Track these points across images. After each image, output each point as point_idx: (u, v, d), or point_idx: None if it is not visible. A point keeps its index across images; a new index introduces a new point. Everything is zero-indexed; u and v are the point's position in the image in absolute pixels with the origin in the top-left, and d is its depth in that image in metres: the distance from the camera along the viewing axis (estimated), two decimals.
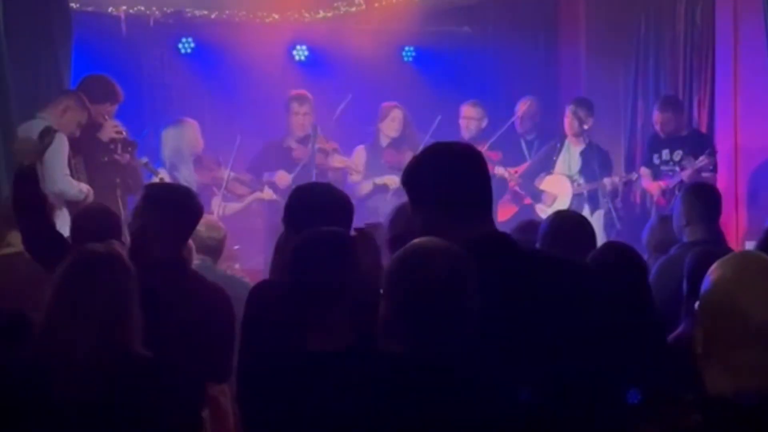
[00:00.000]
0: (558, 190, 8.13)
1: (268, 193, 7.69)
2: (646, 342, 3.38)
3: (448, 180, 2.62)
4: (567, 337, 2.49)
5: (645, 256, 4.58)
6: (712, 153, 7.52)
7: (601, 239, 5.11)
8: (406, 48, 9.37)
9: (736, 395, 1.93)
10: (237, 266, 6.26)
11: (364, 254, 3.02)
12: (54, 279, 3.06)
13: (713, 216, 4.76)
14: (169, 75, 8.68)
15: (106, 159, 6.68)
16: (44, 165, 5.02)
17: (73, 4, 7.51)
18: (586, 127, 8.01)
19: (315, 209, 3.33)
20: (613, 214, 7.73)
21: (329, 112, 8.05)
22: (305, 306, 2.92)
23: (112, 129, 6.73)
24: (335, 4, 8.92)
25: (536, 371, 2.41)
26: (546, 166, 8.24)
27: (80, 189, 6.25)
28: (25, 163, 4.01)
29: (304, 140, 7.80)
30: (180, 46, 8.70)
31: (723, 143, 7.79)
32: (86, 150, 6.59)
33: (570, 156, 8.16)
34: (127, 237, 3.90)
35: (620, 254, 3.69)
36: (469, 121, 8.33)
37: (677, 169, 7.70)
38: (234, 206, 7.69)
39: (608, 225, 7.76)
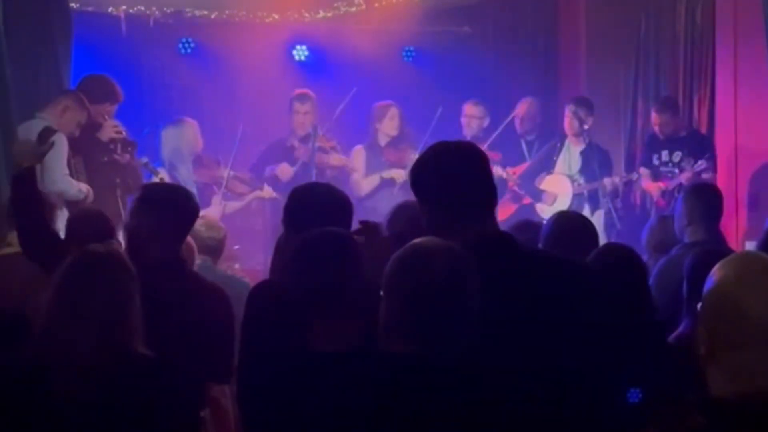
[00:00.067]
0: (558, 190, 8.13)
1: (268, 192, 7.71)
2: (647, 342, 3.39)
3: (452, 179, 2.62)
4: (567, 337, 2.49)
5: (644, 257, 4.59)
6: (711, 157, 7.52)
7: (601, 239, 5.10)
8: (406, 48, 9.36)
9: (739, 396, 1.93)
10: (237, 266, 6.26)
11: (369, 247, 3.01)
12: (54, 279, 3.06)
13: (714, 216, 4.77)
14: (169, 75, 8.66)
15: (105, 159, 6.67)
16: (44, 165, 5.03)
17: (72, 4, 7.50)
18: (586, 126, 8.00)
19: (315, 209, 3.32)
20: (614, 213, 7.72)
21: (329, 112, 8.05)
22: (306, 306, 2.91)
23: (111, 129, 6.72)
24: (335, 4, 8.91)
25: (537, 371, 2.41)
26: (546, 165, 8.23)
27: (80, 189, 6.25)
28: (24, 165, 4.01)
29: (305, 139, 7.82)
30: (180, 46, 8.68)
31: (723, 143, 7.79)
32: (86, 150, 6.59)
33: (570, 156, 8.15)
34: (122, 239, 3.90)
35: (620, 255, 3.70)
36: (471, 119, 8.34)
37: (676, 170, 7.70)
38: (234, 205, 7.70)
39: (608, 225, 7.76)
